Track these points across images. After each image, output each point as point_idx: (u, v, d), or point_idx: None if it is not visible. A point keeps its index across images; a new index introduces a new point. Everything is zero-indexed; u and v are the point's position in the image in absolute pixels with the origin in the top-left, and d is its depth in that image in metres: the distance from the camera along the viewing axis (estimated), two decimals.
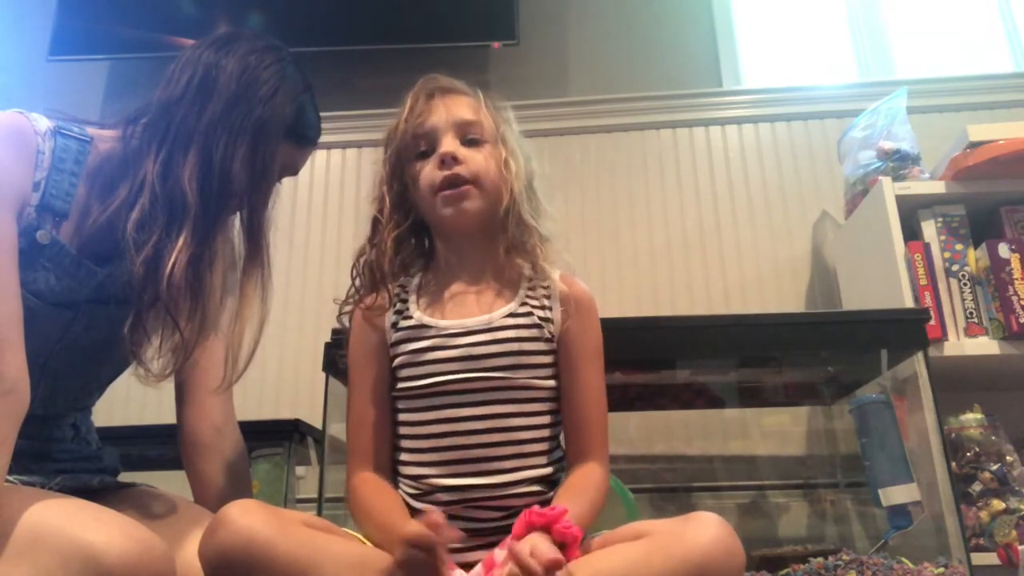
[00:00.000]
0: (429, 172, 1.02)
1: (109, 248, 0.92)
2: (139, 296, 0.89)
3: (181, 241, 0.89)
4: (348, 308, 1.06)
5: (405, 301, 1.05)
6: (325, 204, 2.20)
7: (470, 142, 1.03)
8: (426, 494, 0.95)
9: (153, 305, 0.89)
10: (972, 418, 1.53)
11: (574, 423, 0.99)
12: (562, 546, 0.81)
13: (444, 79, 1.08)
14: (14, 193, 0.86)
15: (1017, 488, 1.46)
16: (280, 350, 2.01)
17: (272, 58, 0.99)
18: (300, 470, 1.67)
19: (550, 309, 1.02)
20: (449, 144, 1.01)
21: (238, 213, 0.99)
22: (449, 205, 1.01)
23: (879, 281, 1.68)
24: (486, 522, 0.94)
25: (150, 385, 0.94)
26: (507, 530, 0.93)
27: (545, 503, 0.97)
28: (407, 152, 1.05)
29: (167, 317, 0.90)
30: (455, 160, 1.00)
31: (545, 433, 0.99)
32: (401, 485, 0.98)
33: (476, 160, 1.02)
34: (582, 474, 0.96)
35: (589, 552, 0.82)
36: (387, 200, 1.06)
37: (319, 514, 1.25)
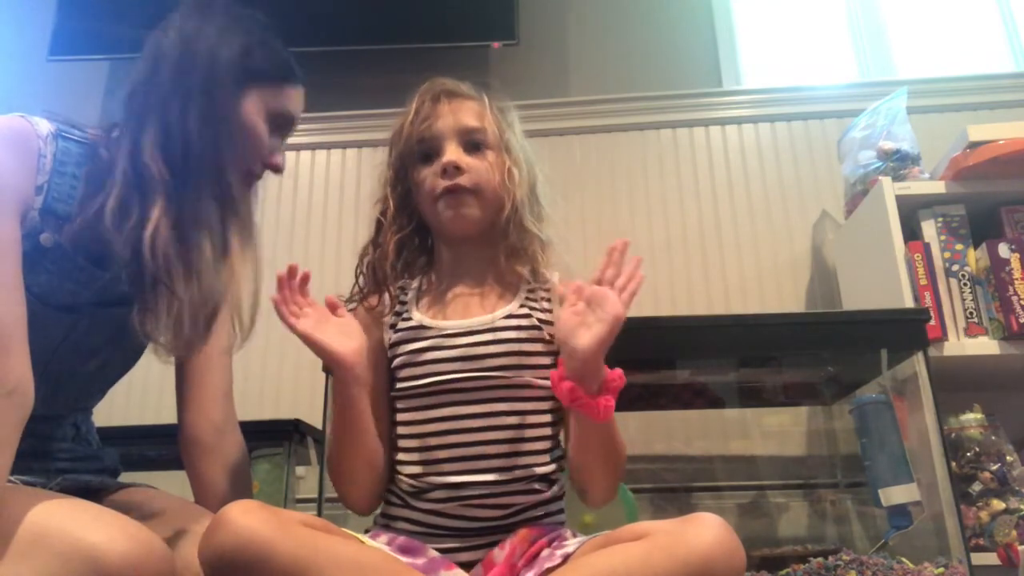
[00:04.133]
0: (432, 180, 1.03)
1: (108, 249, 0.92)
2: (132, 277, 0.89)
3: (157, 211, 0.89)
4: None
5: (405, 303, 1.05)
6: (325, 204, 2.19)
7: (474, 147, 1.04)
8: (424, 492, 0.96)
9: (143, 277, 0.89)
10: (972, 418, 1.53)
11: None
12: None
13: (450, 82, 1.08)
14: (17, 197, 0.86)
15: (1017, 488, 1.46)
16: (280, 350, 2.00)
17: (222, 20, 0.98)
18: (300, 470, 1.68)
19: (550, 311, 1.03)
20: (452, 152, 1.02)
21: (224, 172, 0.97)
22: (450, 208, 1.02)
23: (879, 281, 1.68)
24: (485, 521, 0.94)
25: (168, 361, 0.97)
26: (506, 529, 0.94)
27: (544, 502, 0.97)
28: (411, 156, 1.05)
29: (162, 287, 0.90)
30: (458, 170, 1.01)
31: (545, 432, 0.99)
32: (399, 484, 0.98)
33: (478, 170, 1.02)
34: None
35: (588, 554, 0.82)
36: (391, 202, 1.07)
37: (319, 514, 1.25)
